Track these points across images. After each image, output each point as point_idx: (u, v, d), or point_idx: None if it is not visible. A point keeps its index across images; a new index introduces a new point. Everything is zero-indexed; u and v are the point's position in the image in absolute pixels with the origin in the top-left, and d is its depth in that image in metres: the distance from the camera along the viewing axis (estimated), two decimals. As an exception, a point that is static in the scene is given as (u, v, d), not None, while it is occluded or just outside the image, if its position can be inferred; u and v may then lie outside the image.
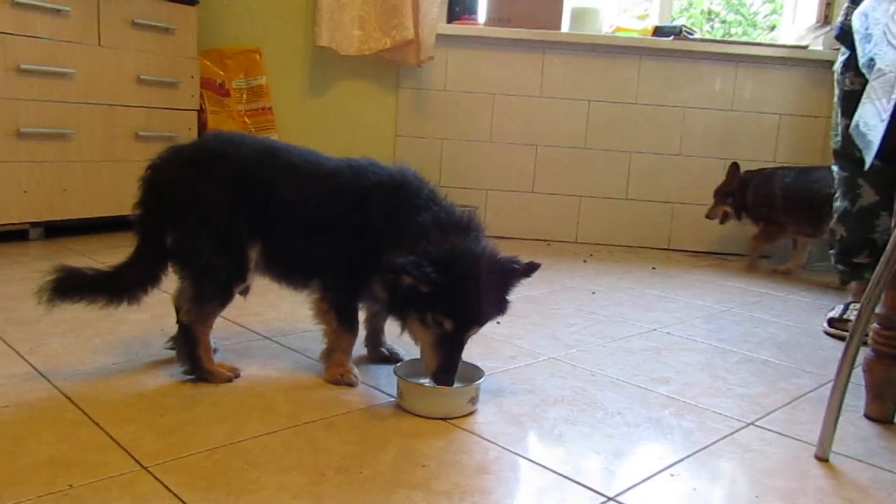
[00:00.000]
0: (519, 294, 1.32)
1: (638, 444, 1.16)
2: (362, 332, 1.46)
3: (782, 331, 1.96)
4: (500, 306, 1.27)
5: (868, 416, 1.32)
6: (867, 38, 1.36)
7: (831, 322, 1.96)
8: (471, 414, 1.23)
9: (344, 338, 1.36)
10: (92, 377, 1.31)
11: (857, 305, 1.80)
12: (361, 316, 1.42)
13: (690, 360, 1.64)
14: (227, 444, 1.06)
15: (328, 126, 3.34)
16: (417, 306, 1.19)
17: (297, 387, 1.32)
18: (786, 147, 3.27)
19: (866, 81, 1.81)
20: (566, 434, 1.18)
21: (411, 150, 3.34)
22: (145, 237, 1.31)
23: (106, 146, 2.72)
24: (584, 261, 2.93)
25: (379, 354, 1.51)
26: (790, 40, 3.46)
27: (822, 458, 1.13)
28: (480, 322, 1.24)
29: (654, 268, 2.85)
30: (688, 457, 1.12)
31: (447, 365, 1.21)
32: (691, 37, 3.26)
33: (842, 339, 1.83)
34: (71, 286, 1.24)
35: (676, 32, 3.23)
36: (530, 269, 1.27)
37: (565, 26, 3.29)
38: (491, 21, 3.27)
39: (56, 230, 2.70)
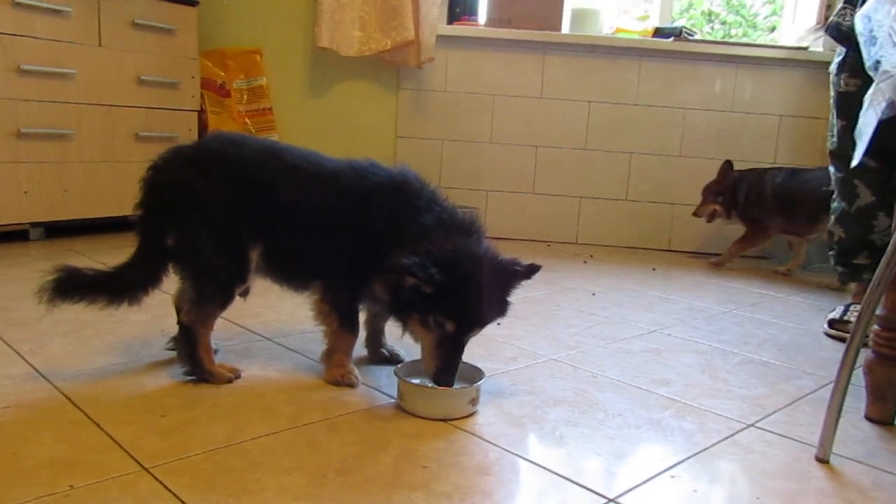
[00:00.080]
0: (519, 295, 1.32)
1: (638, 446, 1.16)
2: (363, 334, 1.46)
3: (783, 332, 1.96)
4: (501, 308, 1.28)
5: (869, 418, 1.32)
6: (872, 40, 1.36)
7: (832, 323, 1.96)
8: (471, 415, 1.23)
9: (345, 339, 1.35)
10: (92, 378, 1.31)
11: (858, 307, 1.80)
12: (362, 317, 1.42)
13: (691, 361, 1.64)
14: (228, 444, 1.06)
15: (329, 127, 3.34)
16: (419, 307, 1.19)
17: (297, 388, 1.32)
18: (786, 148, 3.27)
19: (861, 82, 1.82)
20: (567, 435, 1.18)
21: (412, 151, 3.34)
22: (146, 238, 1.31)
23: (106, 147, 2.72)
24: (585, 262, 2.93)
25: (379, 355, 1.51)
26: (790, 42, 3.46)
27: (823, 460, 1.13)
28: (482, 324, 1.24)
29: (654, 269, 2.85)
30: (688, 458, 1.12)
31: (448, 366, 1.21)
32: (691, 38, 3.26)
33: (842, 340, 1.83)
34: (71, 286, 1.24)
35: (677, 34, 3.23)
36: (531, 270, 1.28)
37: (566, 27, 3.29)
38: (491, 22, 3.27)
39: (56, 230, 2.70)
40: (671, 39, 3.21)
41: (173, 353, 1.40)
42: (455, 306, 1.18)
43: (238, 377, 1.34)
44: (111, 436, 1.07)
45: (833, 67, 1.97)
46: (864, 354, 1.31)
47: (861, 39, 1.42)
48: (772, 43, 3.81)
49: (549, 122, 3.32)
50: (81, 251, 2.46)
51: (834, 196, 2.04)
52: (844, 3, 1.88)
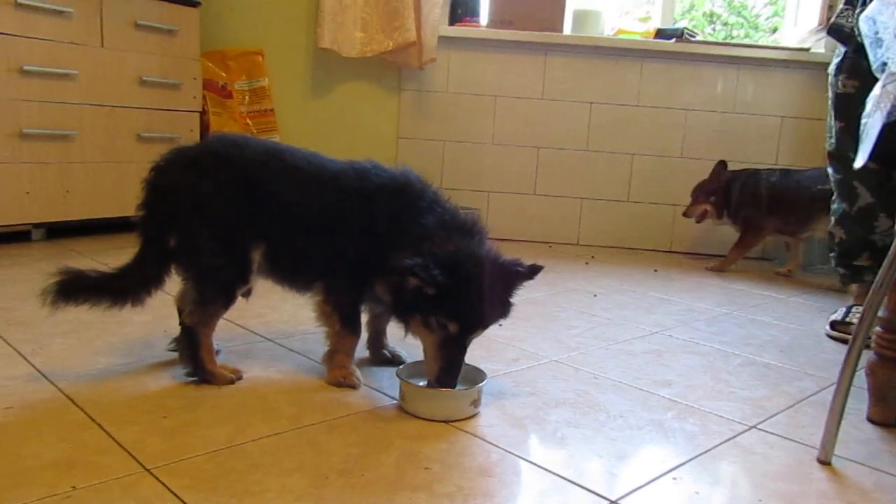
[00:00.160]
0: (521, 296, 1.32)
1: (640, 447, 1.16)
2: (365, 335, 1.46)
3: (784, 333, 1.96)
4: (503, 309, 1.28)
5: (870, 420, 1.32)
6: (878, 42, 1.35)
7: (833, 325, 1.96)
8: (473, 416, 1.23)
9: (346, 340, 1.36)
10: (94, 379, 1.31)
11: (860, 308, 1.80)
12: (364, 318, 1.42)
13: (693, 362, 1.64)
14: (230, 446, 1.06)
15: (330, 128, 3.34)
16: (422, 308, 1.19)
17: (299, 389, 1.32)
18: (787, 149, 3.27)
19: (860, 84, 1.82)
20: (568, 437, 1.18)
21: (413, 152, 3.34)
22: (148, 239, 1.31)
23: (108, 147, 2.73)
24: (586, 263, 2.93)
25: (381, 357, 1.51)
26: (792, 43, 3.46)
27: (825, 462, 1.13)
28: (484, 325, 1.24)
29: (656, 270, 2.85)
30: (690, 460, 1.12)
31: (450, 367, 1.21)
32: (693, 39, 3.26)
33: (844, 342, 1.83)
34: (75, 288, 1.24)
35: (678, 35, 3.23)
36: (533, 271, 1.28)
37: (567, 28, 3.30)
38: (493, 23, 3.27)
39: (58, 231, 2.71)
40: (673, 41, 3.21)
41: (175, 354, 1.40)
42: (457, 307, 1.18)
43: (240, 378, 1.34)
44: (113, 437, 1.07)
45: (831, 69, 1.97)
46: (866, 356, 1.30)
47: (866, 42, 1.42)
48: (774, 44, 3.81)
49: (551, 124, 3.32)
50: (83, 252, 2.46)
51: (833, 197, 2.04)
52: (845, 3, 1.89)
